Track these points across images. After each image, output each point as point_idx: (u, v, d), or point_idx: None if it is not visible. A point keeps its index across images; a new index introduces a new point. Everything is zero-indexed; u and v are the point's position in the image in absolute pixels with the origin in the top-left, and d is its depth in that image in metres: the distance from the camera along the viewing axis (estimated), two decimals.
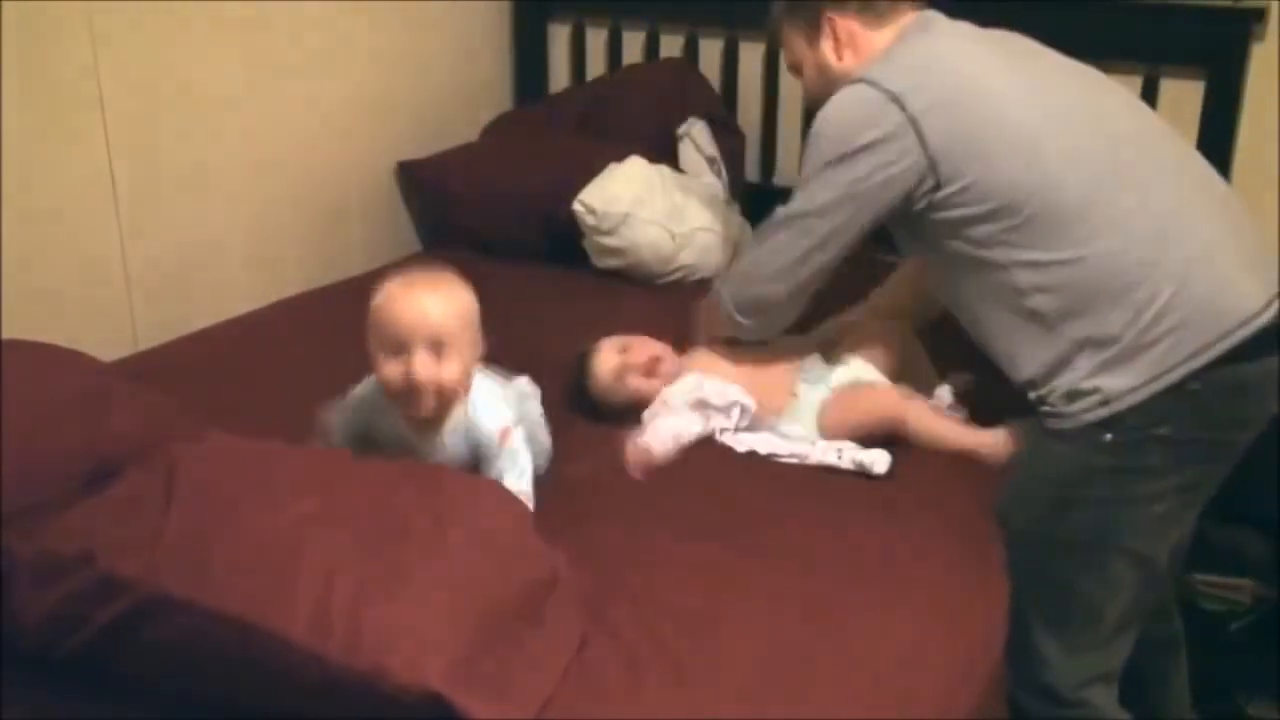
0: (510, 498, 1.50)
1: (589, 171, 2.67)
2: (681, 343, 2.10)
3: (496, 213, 2.76)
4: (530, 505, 1.56)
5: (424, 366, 1.55)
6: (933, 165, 1.68)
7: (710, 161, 2.82)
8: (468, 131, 3.02)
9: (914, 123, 1.67)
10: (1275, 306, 1.63)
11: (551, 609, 1.38)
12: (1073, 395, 1.64)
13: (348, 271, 2.71)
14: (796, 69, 1.99)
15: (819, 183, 1.77)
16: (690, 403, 1.93)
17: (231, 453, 1.50)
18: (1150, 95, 2.47)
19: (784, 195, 2.87)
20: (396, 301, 1.59)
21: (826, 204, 1.77)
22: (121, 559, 1.31)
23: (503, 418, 1.63)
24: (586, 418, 2.01)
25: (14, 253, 2.06)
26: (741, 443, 1.91)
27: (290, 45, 2.56)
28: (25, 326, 1.93)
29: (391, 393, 1.59)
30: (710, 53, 2.99)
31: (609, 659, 1.40)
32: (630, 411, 1.98)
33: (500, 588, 1.32)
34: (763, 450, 1.89)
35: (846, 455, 1.83)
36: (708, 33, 2.99)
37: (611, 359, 2.02)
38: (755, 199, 2.83)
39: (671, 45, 3.04)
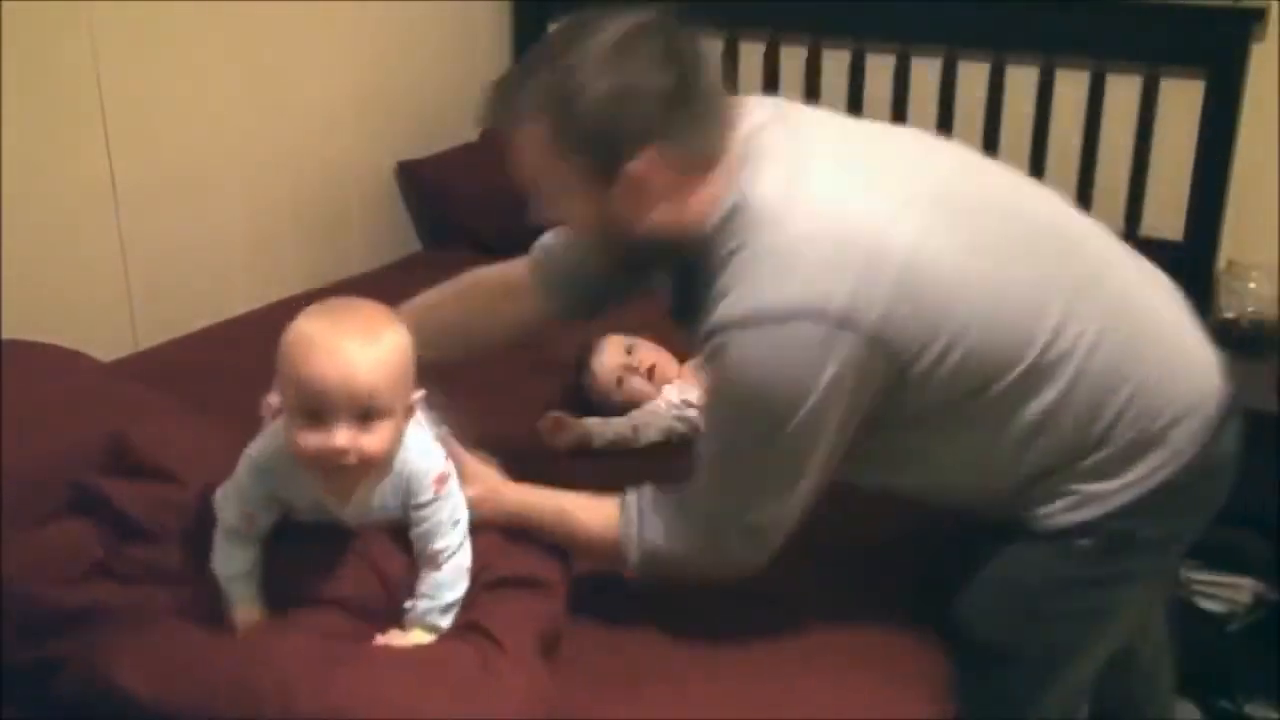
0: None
1: None
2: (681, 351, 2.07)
3: (496, 212, 2.76)
4: (468, 561, 1.37)
5: (348, 439, 1.25)
6: (902, 372, 1.33)
7: None
8: (468, 131, 3.02)
9: (877, 339, 1.29)
10: (1225, 382, 1.48)
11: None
12: (1049, 497, 1.44)
13: (348, 271, 2.72)
14: (534, 188, 1.43)
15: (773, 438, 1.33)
16: (675, 415, 1.93)
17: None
18: (1150, 95, 2.47)
19: None
20: (316, 354, 1.25)
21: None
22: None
23: (437, 460, 1.37)
24: (579, 411, 2.00)
25: (14, 253, 2.06)
26: None
27: (290, 45, 2.56)
28: (25, 326, 1.93)
29: (304, 463, 1.30)
30: (710, 53, 2.98)
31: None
32: (624, 410, 1.98)
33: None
34: None
35: None
36: (708, 33, 2.98)
37: (616, 358, 2.01)
38: None
39: None
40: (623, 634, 1.48)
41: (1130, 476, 1.41)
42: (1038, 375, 1.36)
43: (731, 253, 1.32)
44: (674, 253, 1.40)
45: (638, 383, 1.99)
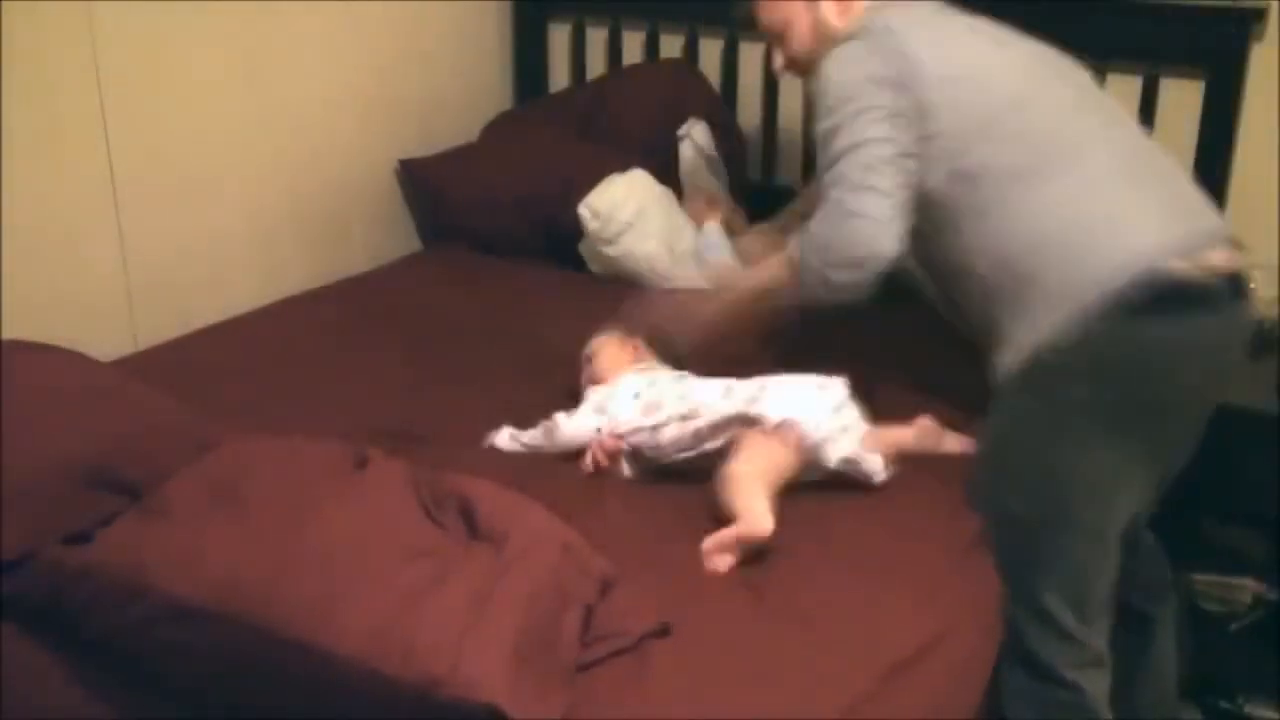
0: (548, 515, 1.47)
1: (588, 172, 2.67)
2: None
3: (495, 213, 2.77)
4: None
5: None
6: (923, 112, 1.71)
7: (710, 162, 2.82)
8: (468, 131, 3.02)
9: (919, 61, 1.71)
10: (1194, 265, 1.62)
11: (601, 615, 1.39)
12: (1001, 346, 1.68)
13: (348, 271, 2.72)
14: (779, 29, 1.97)
15: (847, 119, 1.75)
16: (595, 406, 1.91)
17: (261, 457, 1.51)
18: (1150, 95, 2.47)
19: (784, 195, 2.89)
20: None
21: (866, 131, 1.74)
22: (168, 574, 1.33)
23: None
24: None
25: (14, 253, 2.06)
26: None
27: (290, 45, 2.56)
28: (25, 326, 1.93)
29: None
30: (710, 53, 2.99)
31: None
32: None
33: (547, 599, 1.33)
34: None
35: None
36: (708, 33, 2.99)
37: (619, 355, 2.02)
38: (755, 199, 2.83)
39: (671, 45, 3.04)
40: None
41: (1042, 310, 1.62)
42: (1035, 162, 1.68)
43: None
44: None
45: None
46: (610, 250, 2.60)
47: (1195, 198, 1.73)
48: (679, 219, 2.62)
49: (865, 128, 1.73)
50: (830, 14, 1.90)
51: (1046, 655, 1.67)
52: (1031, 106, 1.74)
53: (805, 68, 1.95)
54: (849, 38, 1.80)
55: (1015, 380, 1.66)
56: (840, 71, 1.77)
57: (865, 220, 1.71)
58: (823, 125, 1.78)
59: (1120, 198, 1.67)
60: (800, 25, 1.94)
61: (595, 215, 2.59)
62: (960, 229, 1.72)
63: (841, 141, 1.75)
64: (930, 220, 1.75)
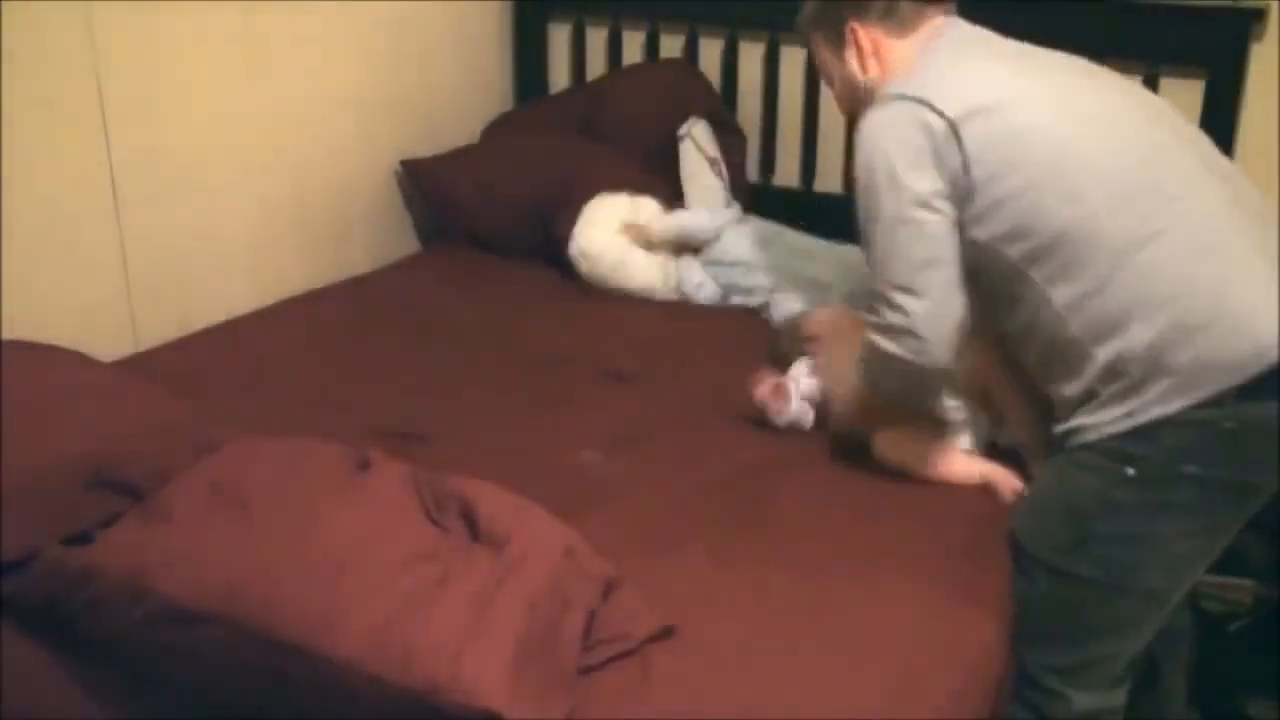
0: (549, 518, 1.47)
1: (588, 173, 2.67)
2: None
3: (496, 214, 2.77)
4: None
5: None
6: (967, 170, 1.63)
7: (711, 162, 2.82)
8: (468, 131, 3.02)
9: (951, 124, 1.63)
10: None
11: (603, 618, 1.39)
12: (1100, 407, 1.60)
13: (348, 271, 2.72)
14: (829, 80, 1.96)
15: (890, 194, 1.67)
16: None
17: (262, 459, 1.51)
18: None
19: (784, 195, 2.89)
20: None
21: (906, 209, 1.67)
22: (168, 576, 1.33)
23: None
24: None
25: (14, 252, 2.06)
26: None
27: (290, 45, 2.56)
28: (25, 326, 1.93)
29: None
30: (710, 53, 2.99)
31: None
32: None
33: (548, 602, 1.33)
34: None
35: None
36: (708, 33, 2.99)
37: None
38: (756, 199, 2.84)
39: (671, 45, 3.04)
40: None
41: (1177, 395, 1.53)
42: (1083, 247, 1.58)
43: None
44: None
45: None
46: (607, 284, 2.60)
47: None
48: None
49: (909, 208, 1.66)
50: (855, 70, 1.85)
51: (1070, 714, 1.66)
52: (1110, 157, 1.62)
53: (849, 117, 1.93)
54: (885, 99, 1.71)
55: (1108, 445, 1.59)
56: (877, 146, 1.69)
57: (916, 317, 1.67)
58: (866, 201, 1.71)
59: (1236, 268, 1.57)
60: (837, 80, 1.92)
61: (585, 257, 2.58)
62: (1036, 294, 1.63)
63: (886, 221, 1.68)
64: (1005, 283, 1.66)
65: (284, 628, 1.26)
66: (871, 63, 1.82)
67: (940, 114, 1.63)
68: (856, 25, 1.82)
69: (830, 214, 2.92)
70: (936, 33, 1.78)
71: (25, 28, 2.02)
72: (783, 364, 2.07)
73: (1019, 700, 1.68)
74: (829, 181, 2.94)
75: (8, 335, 1.85)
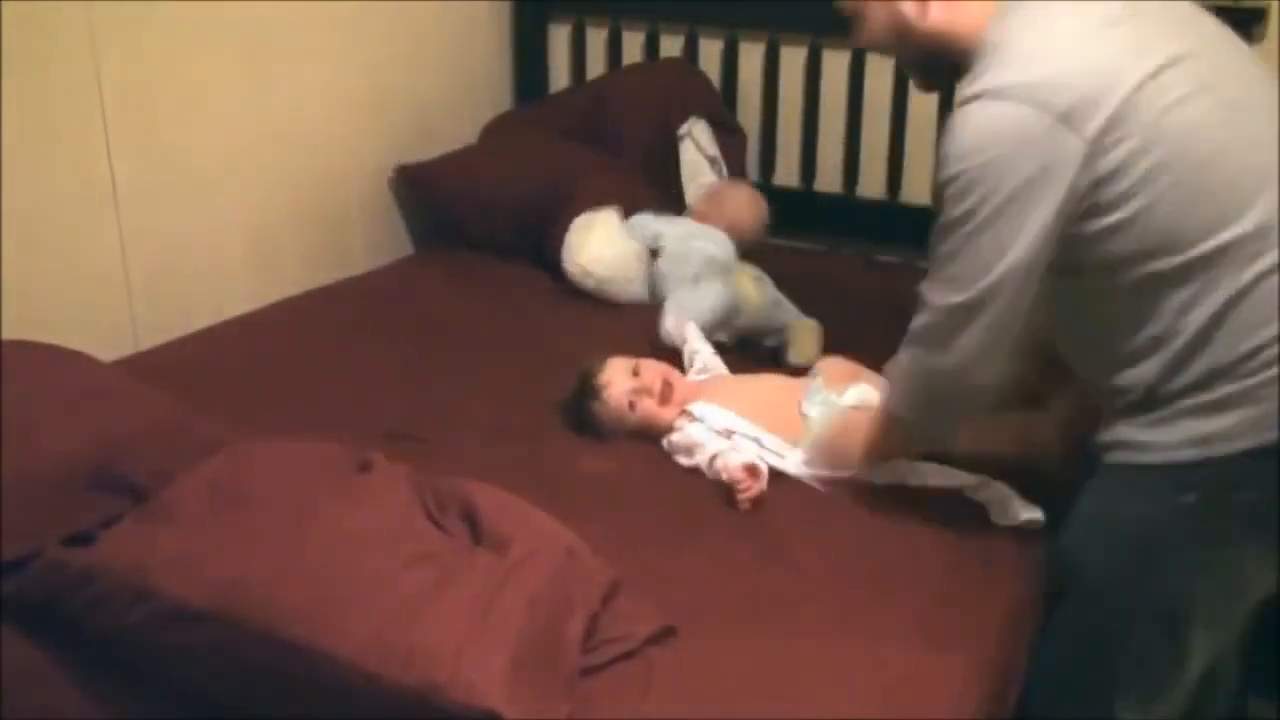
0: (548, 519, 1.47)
1: (587, 176, 2.67)
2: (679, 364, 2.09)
3: (495, 214, 2.77)
4: None
5: None
6: (1098, 185, 1.41)
7: (711, 161, 2.82)
8: (467, 131, 3.02)
9: (1091, 144, 1.39)
10: None
11: (604, 621, 1.39)
12: (1167, 423, 1.47)
13: (348, 271, 2.72)
14: (853, 14, 1.65)
15: (991, 221, 1.43)
16: (719, 430, 1.88)
17: (264, 459, 1.51)
18: None
19: (784, 195, 2.88)
20: None
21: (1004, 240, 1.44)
22: (170, 576, 1.33)
23: None
24: (584, 434, 1.99)
25: (14, 253, 2.05)
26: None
27: (290, 45, 2.56)
28: (25, 326, 1.93)
29: None
30: (710, 53, 2.99)
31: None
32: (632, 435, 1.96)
33: (549, 604, 1.32)
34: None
35: None
36: (708, 33, 2.99)
37: (624, 382, 1.97)
38: None
39: (671, 45, 3.04)
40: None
41: (1240, 419, 1.42)
42: (1204, 266, 1.41)
43: (987, 55, 1.47)
44: (953, 59, 1.55)
45: (649, 404, 1.97)
46: (604, 295, 2.57)
47: None
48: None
49: (1014, 235, 1.43)
50: (909, 10, 1.57)
51: None
52: (1258, 152, 1.44)
53: (890, 53, 1.74)
54: (993, 92, 1.43)
55: (1168, 469, 1.48)
56: (978, 158, 1.43)
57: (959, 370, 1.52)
58: (954, 211, 1.46)
59: None
60: (877, 17, 1.62)
61: (588, 275, 2.54)
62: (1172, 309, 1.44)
63: (970, 248, 1.45)
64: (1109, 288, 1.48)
65: (285, 627, 1.26)
66: (935, 4, 1.55)
67: (1079, 132, 1.39)
68: None
69: (830, 213, 2.93)
70: None
71: (25, 28, 2.02)
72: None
73: None
74: (829, 181, 2.94)
75: (8, 335, 1.85)
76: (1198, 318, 1.43)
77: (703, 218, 2.64)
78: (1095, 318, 1.53)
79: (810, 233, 2.88)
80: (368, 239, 2.84)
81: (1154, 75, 1.41)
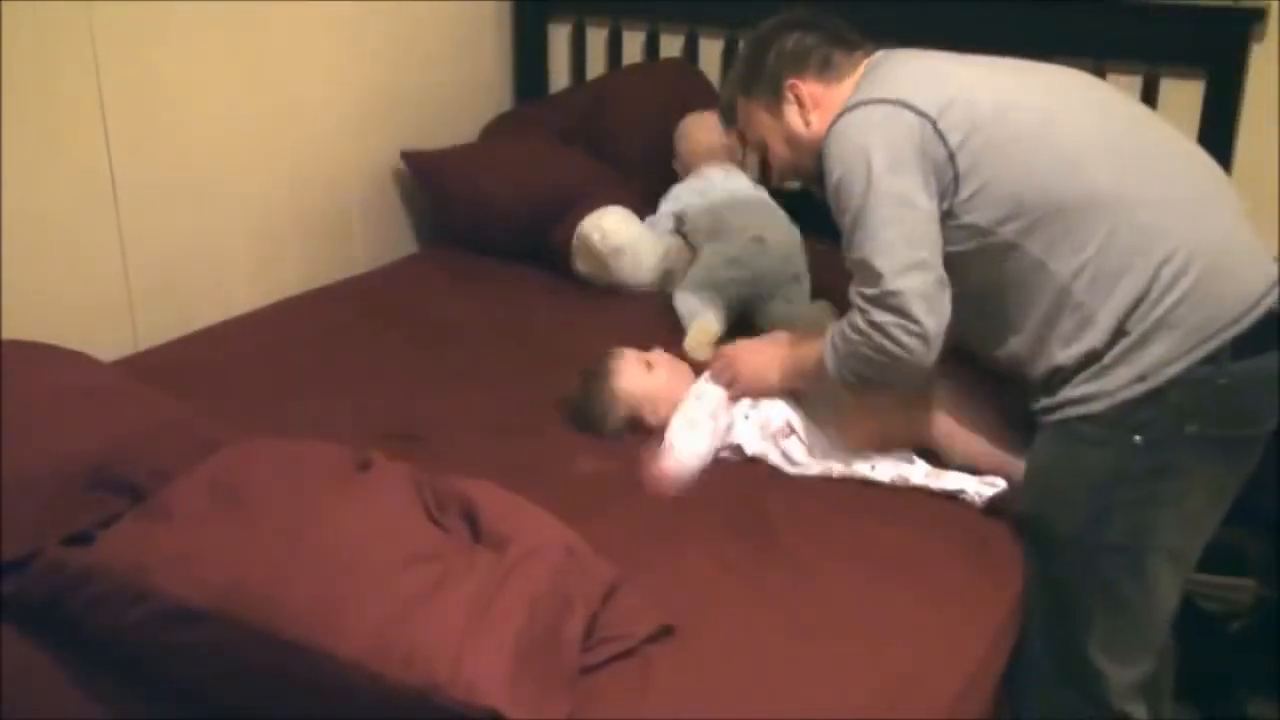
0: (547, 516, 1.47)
1: (586, 176, 2.67)
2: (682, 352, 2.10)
3: (496, 213, 2.76)
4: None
5: None
6: (952, 161, 1.65)
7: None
8: (468, 131, 3.02)
9: (930, 120, 1.65)
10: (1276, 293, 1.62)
11: (604, 619, 1.39)
12: (1107, 371, 1.62)
13: (348, 271, 2.72)
14: (760, 147, 1.93)
15: (875, 194, 1.65)
16: (711, 413, 1.90)
17: (263, 459, 1.51)
18: (1150, 95, 2.47)
19: (784, 194, 2.88)
20: None
21: (892, 208, 1.65)
22: (169, 576, 1.33)
23: None
24: (585, 432, 1.99)
25: (14, 253, 2.06)
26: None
27: (290, 45, 2.56)
28: (25, 326, 1.93)
29: None
30: (710, 53, 2.99)
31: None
32: (632, 427, 1.97)
33: (549, 603, 1.33)
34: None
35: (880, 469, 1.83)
36: (708, 33, 2.99)
37: (637, 362, 1.99)
38: None
39: (671, 45, 3.04)
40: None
41: (1181, 345, 1.58)
42: (1085, 214, 1.61)
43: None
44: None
45: (663, 373, 1.99)
46: (605, 269, 2.56)
47: (1247, 219, 1.71)
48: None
49: (895, 208, 1.65)
50: (798, 125, 1.84)
51: (1113, 690, 1.69)
52: (1095, 125, 1.69)
53: (797, 174, 1.92)
54: (854, 105, 1.70)
55: (1114, 414, 1.61)
56: (849, 153, 1.68)
57: (906, 317, 1.64)
58: (850, 203, 1.68)
59: (1225, 224, 1.65)
60: (775, 142, 1.88)
61: (606, 238, 2.52)
62: (1034, 266, 1.65)
63: (872, 222, 1.66)
64: (1000, 258, 1.68)
65: (285, 626, 1.26)
66: (814, 115, 1.82)
67: (916, 110, 1.65)
68: (796, 81, 1.83)
69: (830, 212, 2.93)
70: (873, 65, 1.80)
71: (25, 27, 2.02)
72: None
73: (1056, 685, 1.70)
74: None
75: (8, 335, 1.85)
76: (1089, 276, 1.61)
77: (686, 167, 2.72)
78: (1011, 306, 1.68)
79: (810, 232, 2.87)
80: (368, 238, 2.84)
81: (994, 87, 1.68)
